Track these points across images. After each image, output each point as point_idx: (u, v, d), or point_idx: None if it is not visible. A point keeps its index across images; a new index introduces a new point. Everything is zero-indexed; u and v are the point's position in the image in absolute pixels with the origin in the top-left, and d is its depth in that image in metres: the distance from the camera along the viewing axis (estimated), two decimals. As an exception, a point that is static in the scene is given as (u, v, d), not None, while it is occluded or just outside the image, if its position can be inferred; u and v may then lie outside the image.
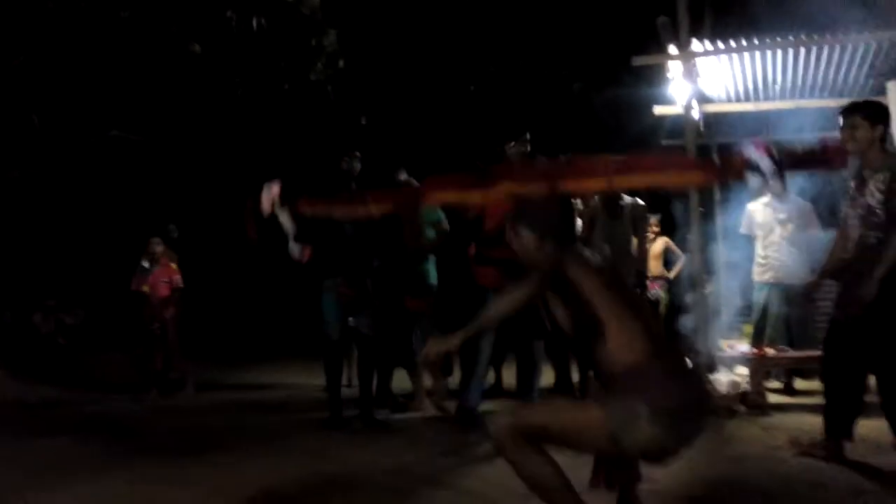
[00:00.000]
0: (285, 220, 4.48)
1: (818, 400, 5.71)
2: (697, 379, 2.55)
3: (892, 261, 3.66)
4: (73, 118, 9.83)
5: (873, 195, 3.74)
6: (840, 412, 3.93)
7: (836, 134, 3.96)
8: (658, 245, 7.34)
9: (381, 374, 5.80)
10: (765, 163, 4.47)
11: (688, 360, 2.49)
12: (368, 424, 5.18)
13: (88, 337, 10.03)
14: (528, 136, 5.09)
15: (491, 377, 6.60)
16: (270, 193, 4.36)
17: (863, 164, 3.83)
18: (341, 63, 10.03)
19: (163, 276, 7.45)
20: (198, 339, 8.33)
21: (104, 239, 10.58)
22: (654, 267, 6.78)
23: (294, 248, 4.79)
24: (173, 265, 7.58)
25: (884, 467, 3.74)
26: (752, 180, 4.17)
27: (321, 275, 5.32)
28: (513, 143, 5.02)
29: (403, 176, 6.03)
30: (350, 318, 5.23)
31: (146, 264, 7.49)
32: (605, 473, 2.52)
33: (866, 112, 3.80)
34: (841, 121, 3.86)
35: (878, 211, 3.72)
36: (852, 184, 3.93)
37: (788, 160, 3.75)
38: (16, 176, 9.61)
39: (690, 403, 2.33)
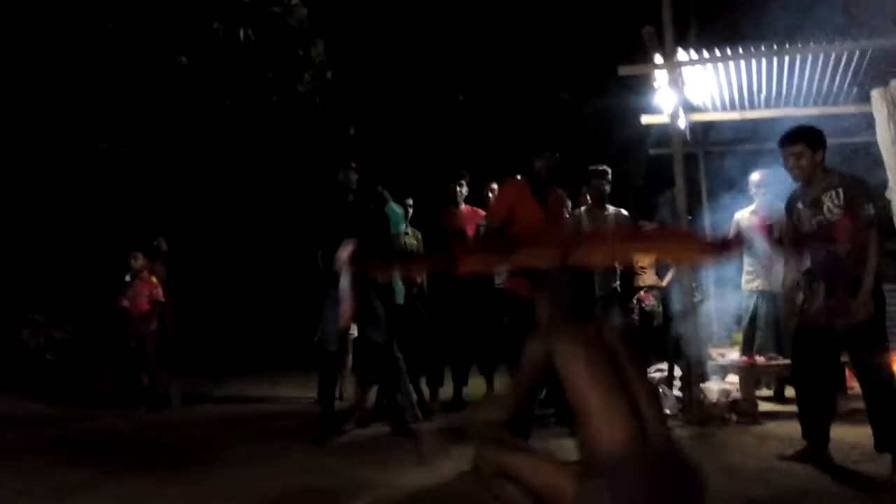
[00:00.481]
0: (345, 281, 4.90)
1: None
2: (679, 474, 2.35)
3: (876, 269, 3.84)
4: (60, 131, 9.79)
5: (831, 211, 3.94)
6: (815, 417, 4.06)
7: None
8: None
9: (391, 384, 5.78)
10: (761, 244, 4.64)
11: (677, 453, 2.39)
12: (400, 432, 5.20)
13: (77, 352, 9.97)
14: (556, 153, 5.09)
15: (483, 387, 6.62)
16: (344, 252, 4.57)
17: (810, 186, 4.04)
18: (329, 74, 10.01)
19: (143, 290, 7.38)
20: (188, 352, 8.27)
21: (93, 253, 10.52)
22: (648, 277, 6.73)
23: (345, 310, 4.99)
24: (154, 279, 7.52)
25: (873, 474, 3.77)
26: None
27: (324, 286, 5.34)
28: (539, 159, 5.01)
29: (379, 188, 6.19)
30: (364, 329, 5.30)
31: (127, 279, 7.44)
32: None
33: (808, 140, 4.04)
34: (784, 150, 4.07)
35: (840, 226, 3.91)
36: (800, 205, 4.10)
37: (790, 239, 3.96)
38: (5, 189, 9.56)
39: (662, 500, 2.24)
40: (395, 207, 6.34)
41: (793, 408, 5.73)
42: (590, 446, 2.32)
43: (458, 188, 6.49)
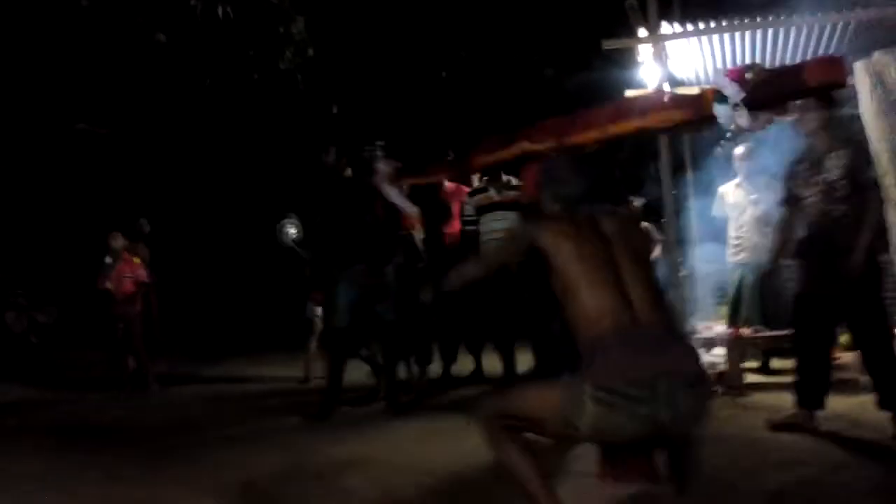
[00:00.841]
0: (395, 194, 5.31)
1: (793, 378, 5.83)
2: (671, 352, 2.17)
3: (874, 228, 3.90)
4: (38, 111, 9.64)
5: (832, 172, 3.98)
6: (812, 383, 4.09)
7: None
8: (639, 230, 7.29)
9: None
10: (732, 90, 4.61)
11: (673, 333, 2.25)
12: (397, 411, 5.20)
13: (62, 335, 9.90)
14: None
15: (471, 364, 6.63)
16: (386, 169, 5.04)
17: (815, 145, 4.09)
18: (311, 51, 9.90)
19: (125, 271, 7.29)
20: (173, 334, 8.22)
21: (76, 235, 10.40)
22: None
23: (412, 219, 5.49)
24: (136, 260, 7.44)
25: (860, 442, 3.82)
26: (722, 112, 4.35)
27: (338, 264, 5.35)
28: None
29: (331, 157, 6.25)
30: (377, 307, 5.31)
31: (109, 260, 7.33)
32: (611, 464, 2.37)
33: (818, 97, 4.14)
34: (798, 105, 4.17)
35: (840, 186, 3.95)
36: (804, 165, 4.13)
37: (765, 86, 3.95)
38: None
39: (650, 379, 2.08)
40: None
41: (779, 379, 5.82)
42: (578, 338, 2.25)
43: None
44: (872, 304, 3.95)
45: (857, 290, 3.89)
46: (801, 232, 4.19)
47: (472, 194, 6.45)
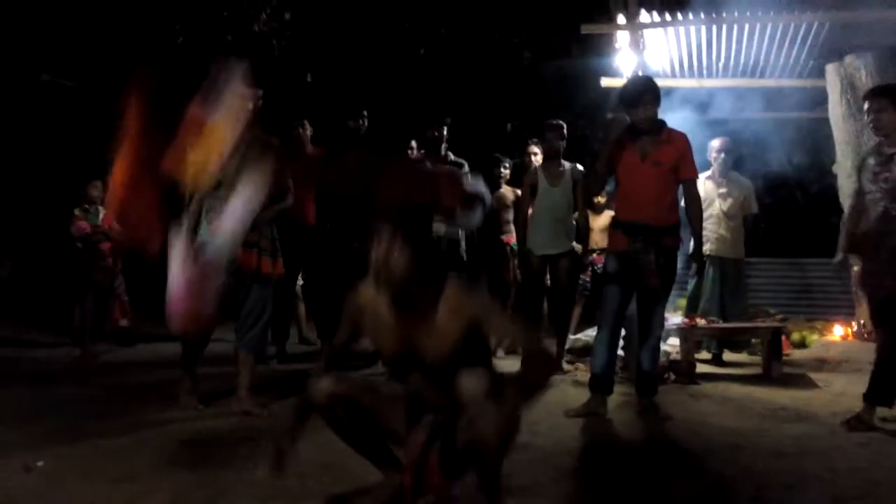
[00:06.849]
0: None
1: (744, 371, 5.93)
2: None
3: None
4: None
5: None
6: (888, 380, 4.01)
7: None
8: (605, 217, 7.07)
9: None
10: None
11: None
12: None
13: (17, 289, 9.66)
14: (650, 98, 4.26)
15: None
16: None
17: (887, 143, 4.03)
18: (287, 16, 9.75)
19: (108, 224, 6.94)
20: (138, 290, 8.00)
21: (35, 188, 10.15)
22: (601, 240, 6.68)
23: None
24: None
25: (805, 433, 3.86)
26: None
27: (335, 233, 5.53)
28: (639, 108, 4.21)
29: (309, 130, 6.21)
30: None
31: (87, 209, 6.91)
32: None
33: (892, 97, 4.02)
34: (868, 103, 4.08)
35: None
36: (872, 161, 4.09)
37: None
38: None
39: None
40: None
41: (729, 371, 5.92)
42: None
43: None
44: None
45: None
46: (865, 226, 4.12)
47: None
